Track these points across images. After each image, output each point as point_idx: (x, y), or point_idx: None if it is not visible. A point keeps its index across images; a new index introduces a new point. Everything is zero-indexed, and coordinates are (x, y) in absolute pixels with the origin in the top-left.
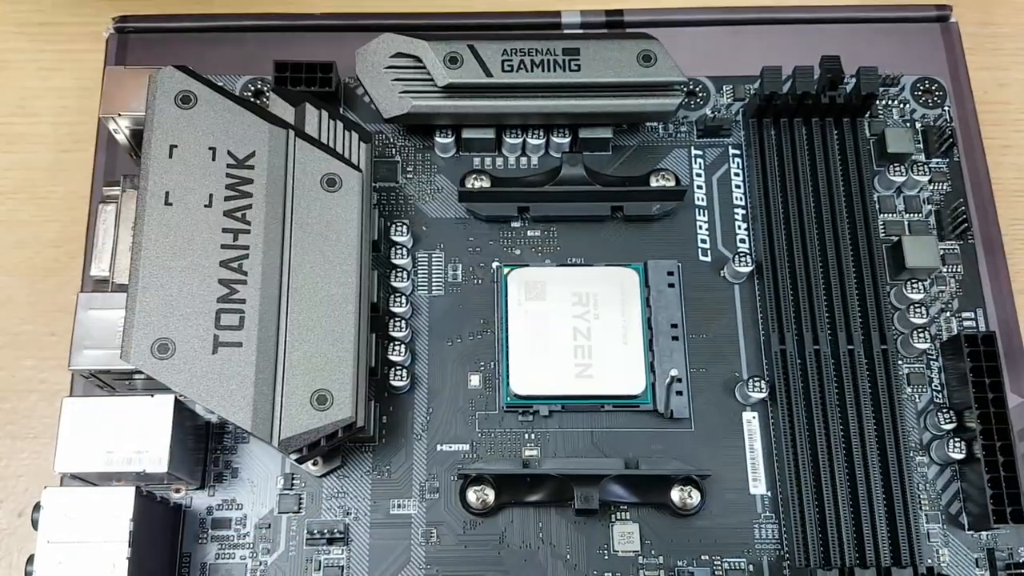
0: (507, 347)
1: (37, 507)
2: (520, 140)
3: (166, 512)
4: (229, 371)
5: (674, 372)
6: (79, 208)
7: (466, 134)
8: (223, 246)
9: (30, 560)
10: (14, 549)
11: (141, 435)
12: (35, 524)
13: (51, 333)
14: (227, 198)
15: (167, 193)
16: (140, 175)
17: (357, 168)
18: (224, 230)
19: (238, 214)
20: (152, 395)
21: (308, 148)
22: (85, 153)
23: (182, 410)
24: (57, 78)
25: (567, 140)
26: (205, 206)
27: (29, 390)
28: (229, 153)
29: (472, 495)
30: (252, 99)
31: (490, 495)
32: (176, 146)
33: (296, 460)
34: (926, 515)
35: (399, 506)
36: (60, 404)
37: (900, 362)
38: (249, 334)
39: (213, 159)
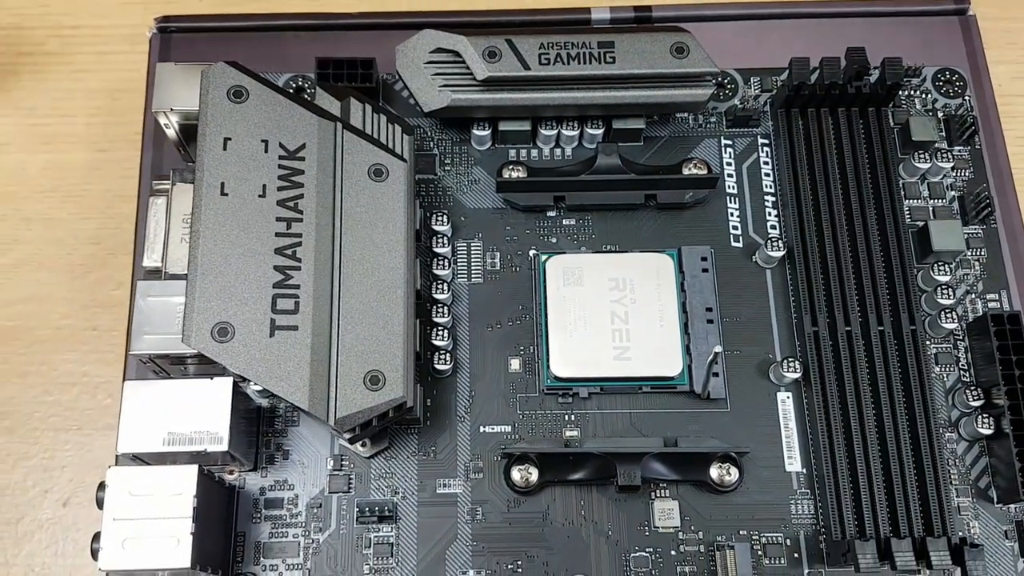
0: (547, 331)
1: (102, 486)
2: (555, 132)
3: (223, 492)
4: (286, 353)
5: (718, 348)
6: (115, 206)
7: (502, 126)
8: (277, 234)
9: (96, 537)
10: (59, 538)
11: (202, 416)
12: (100, 503)
13: (92, 328)
14: (280, 188)
15: (222, 184)
16: (196, 167)
17: (402, 158)
18: (278, 219)
19: (291, 203)
20: (211, 378)
21: (355, 140)
22: (120, 152)
23: (236, 394)
24: (90, 80)
25: (600, 131)
26: (259, 196)
27: (71, 383)
28: (280, 145)
29: (516, 474)
30: None
31: (533, 474)
32: (230, 139)
33: (348, 440)
34: (956, 489)
35: (445, 485)
36: (121, 387)
37: (928, 342)
38: (304, 318)
39: (265, 151)
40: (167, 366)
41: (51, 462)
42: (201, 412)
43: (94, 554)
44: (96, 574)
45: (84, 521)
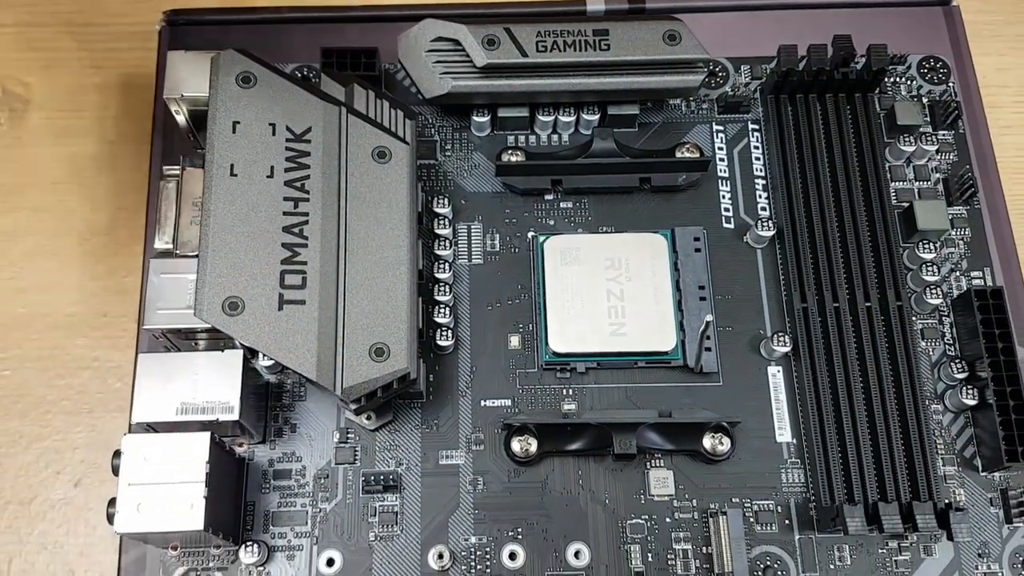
0: (545, 309)
1: (117, 453)
2: (552, 118)
3: (233, 462)
4: (294, 326)
5: (709, 317)
6: (125, 196)
7: (501, 113)
8: (285, 213)
9: (111, 503)
10: (72, 517)
11: (213, 387)
12: (115, 470)
13: (103, 314)
14: (287, 169)
15: (232, 165)
16: (206, 149)
17: (405, 141)
18: (285, 198)
19: (297, 184)
20: (222, 350)
21: (359, 123)
22: (129, 145)
23: (246, 370)
24: (100, 75)
25: (596, 117)
26: (267, 177)
27: (83, 368)
28: (287, 128)
29: (516, 444)
30: None
31: (533, 444)
32: (239, 122)
33: (353, 411)
34: (942, 459)
35: (447, 457)
36: (135, 361)
37: (914, 318)
38: (311, 293)
39: (273, 134)
40: (178, 341)
41: (63, 444)
42: (213, 383)
43: (110, 519)
44: (108, 550)
45: (95, 501)
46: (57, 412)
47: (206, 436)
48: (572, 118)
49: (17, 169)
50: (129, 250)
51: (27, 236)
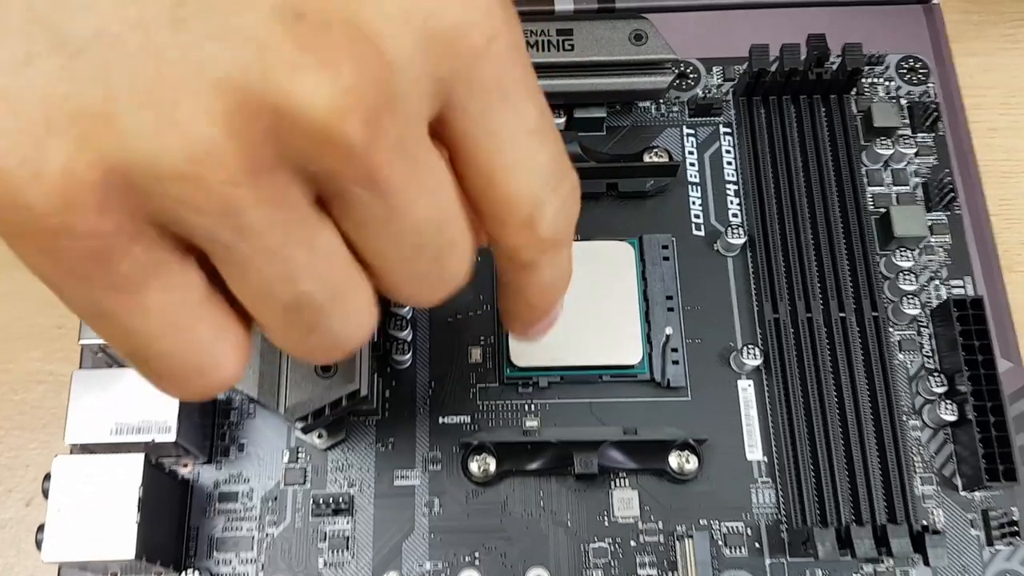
0: None
1: (47, 477)
2: None
3: (174, 485)
4: None
5: (668, 330)
6: None
7: None
8: None
9: (40, 529)
10: (22, 537)
11: (150, 406)
12: (45, 494)
13: (58, 327)
14: None
15: None
16: None
17: None
18: None
19: None
20: None
21: None
22: None
23: None
24: None
25: (562, 120)
26: None
27: (37, 382)
28: None
29: (474, 464)
30: None
31: (491, 464)
32: None
33: (302, 429)
34: (920, 477)
35: (402, 477)
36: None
37: (891, 329)
38: None
39: None
40: (119, 357)
41: (15, 460)
42: (150, 402)
43: (38, 544)
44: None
45: None
46: (11, 427)
47: (140, 458)
48: None
49: None
50: None
51: None
